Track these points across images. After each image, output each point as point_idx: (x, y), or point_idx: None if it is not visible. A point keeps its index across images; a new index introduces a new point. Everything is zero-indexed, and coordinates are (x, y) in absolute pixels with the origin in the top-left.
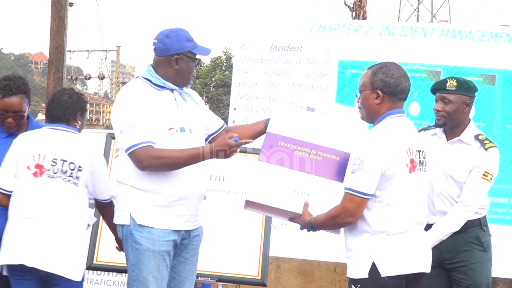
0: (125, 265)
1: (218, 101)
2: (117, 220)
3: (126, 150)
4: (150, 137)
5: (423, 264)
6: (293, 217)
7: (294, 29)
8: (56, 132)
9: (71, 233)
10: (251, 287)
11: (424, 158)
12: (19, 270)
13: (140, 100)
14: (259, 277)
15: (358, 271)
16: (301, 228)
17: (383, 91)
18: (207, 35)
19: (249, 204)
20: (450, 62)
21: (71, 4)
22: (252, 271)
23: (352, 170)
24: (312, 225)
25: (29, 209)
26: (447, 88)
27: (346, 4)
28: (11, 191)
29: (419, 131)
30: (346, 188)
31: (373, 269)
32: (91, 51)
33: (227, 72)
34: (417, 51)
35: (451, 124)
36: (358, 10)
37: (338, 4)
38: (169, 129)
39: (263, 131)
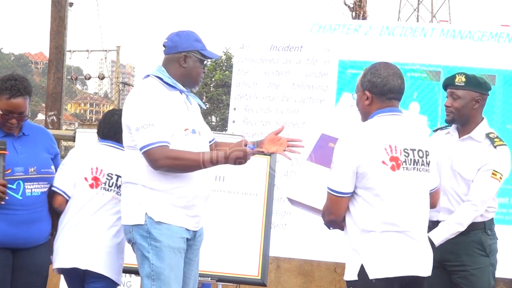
0: (126, 265)
1: (218, 101)
2: (128, 220)
3: (142, 148)
4: (166, 137)
5: (418, 267)
6: None
7: (294, 29)
8: (110, 148)
9: (118, 241)
10: (251, 287)
11: (420, 157)
12: (67, 270)
13: (157, 99)
14: (259, 277)
15: (349, 272)
16: None
17: (371, 91)
18: (207, 35)
19: (290, 200)
20: (450, 62)
21: (71, 4)
22: (252, 271)
23: (331, 168)
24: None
25: (83, 216)
26: (456, 83)
27: (346, 4)
28: (69, 198)
29: (435, 130)
30: (327, 187)
31: (362, 271)
32: (91, 51)
33: (227, 72)
34: (417, 51)
35: (461, 121)
36: (358, 10)
37: (338, 4)
38: (185, 129)
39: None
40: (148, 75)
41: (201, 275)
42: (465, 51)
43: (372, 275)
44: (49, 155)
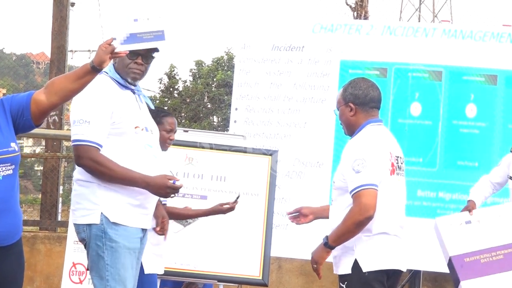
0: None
1: (220, 101)
2: (81, 219)
3: (72, 141)
4: (99, 139)
5: (402, 262)
6: None
7: (295, 29)
8: None
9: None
10: (253, 287)
11: (401, 163)
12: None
13: (102, 97)
14: (261, 277)
15: (343, 267)
16: None
17: (354, 103)
18: (209, 35)
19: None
20: (451, 62)
21: (72, 4)
22: (254, 271)
23: (357, 171)
24: (327, 242)
25: None
26: None
27: (347, 4)
28: None
29: None
30: (356, 188)
31: (355, 265)
32: (92, 51)
33: (229, 72)
34: (418, 51)
35: None
36: (360, 10)
37: (339, 4)
38: (135, 127)
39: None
40: (102, 73)
41: (202, 276)
42: (467, 51)
43: (366, 268)
44: (9, 129)
